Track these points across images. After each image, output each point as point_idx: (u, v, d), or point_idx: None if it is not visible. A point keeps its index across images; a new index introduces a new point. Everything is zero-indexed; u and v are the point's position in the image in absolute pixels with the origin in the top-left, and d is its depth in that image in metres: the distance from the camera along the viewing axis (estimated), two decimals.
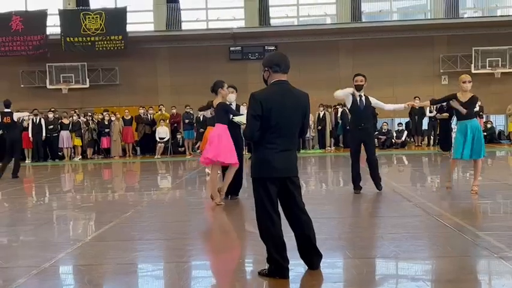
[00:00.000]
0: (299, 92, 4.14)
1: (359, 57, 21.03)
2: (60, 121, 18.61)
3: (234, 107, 8.08)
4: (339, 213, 7.44)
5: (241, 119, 4.79)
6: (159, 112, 19.17)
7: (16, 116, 13.03)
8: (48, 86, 21.04)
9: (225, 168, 8.06)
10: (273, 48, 20.90)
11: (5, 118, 12.74)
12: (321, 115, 18.69)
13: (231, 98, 8.06)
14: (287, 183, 4.06)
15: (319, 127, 18.77)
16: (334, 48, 21.27)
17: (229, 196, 8.21)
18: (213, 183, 7.92)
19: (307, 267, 4.28)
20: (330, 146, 18.89)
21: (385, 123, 19.88)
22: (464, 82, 7.99)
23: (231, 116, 7.46)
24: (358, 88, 8.43)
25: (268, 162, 3.97)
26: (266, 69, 4.06)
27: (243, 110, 8.19)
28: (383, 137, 19.39)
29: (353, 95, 8.37)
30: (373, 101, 8.63)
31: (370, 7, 22.44)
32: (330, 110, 19.28)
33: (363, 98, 8.46)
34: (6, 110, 12.81)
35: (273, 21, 22.05)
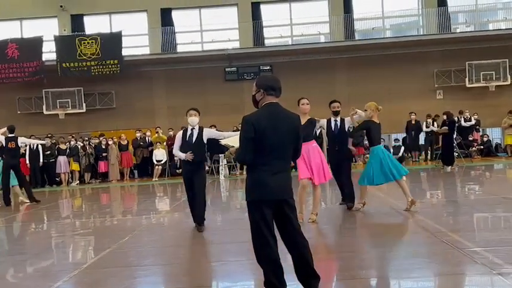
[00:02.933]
0: (291, 113, 4.17)
1: (354, 74, 21.20)
2: (57, 146, 18.60)
3: (196, 129, 7.58)
4: (336, 232, 7.40)
5: (229, 141, 4.71)
6: (156, 135, 19.20)
7: (20, 141, 13.06)
8: (45, 112, 21.11)
9: None
10: (268, 68, 21.07)
11: (9, 143, 12.65)
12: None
13: (193, 121, 7.57)
14: (283, 205, 4.04)
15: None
16: (329, 66, 21.42)
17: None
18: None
19: None
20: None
21: (381, 140, 19.89)
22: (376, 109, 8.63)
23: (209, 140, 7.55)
24: (335, 114, 9.06)
25: (262, 184, 3.95)
26: (260, 90, 4.08)
27: (208, 132, 7.82)
28: None
29: (328, 121, 9.00)
30: (347, 121, 9.09)
31: (363, 25, 22.66)
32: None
33: (338, 123, 9.00)
34: (10, 135, 12.75)
35: (267, 41, 22.26)
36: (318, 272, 4.21)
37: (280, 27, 22.62)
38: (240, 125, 4.09)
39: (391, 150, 19.60)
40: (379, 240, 6.38)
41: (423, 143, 19.68)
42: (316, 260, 4.26)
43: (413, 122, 19.27)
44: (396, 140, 20.36)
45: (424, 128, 18.61)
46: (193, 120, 7.59)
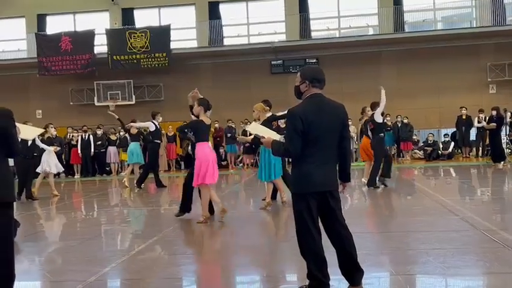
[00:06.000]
0: (336, 103, 4.11)
1: (403, 68, 20.74)
2: (107, 137, 19.16)
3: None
4: (382, 227, 7.30)
5: (259, 132, 4.65)
6: None
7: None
8: (96, 103, 21.75)
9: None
10: (314, 61, 20.89)
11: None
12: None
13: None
14: (328, 197, 4.00)
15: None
16: (377, 59, 21.03)
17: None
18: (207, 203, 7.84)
19: (348, 284, 4.21)
20: None
21: (430, 134, 19.44)
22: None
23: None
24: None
25: (309, 176, 3.92)
26: (306, 82, 4.03)
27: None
28: (429, 149, 18.95)
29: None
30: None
31: (414, 17, 22.10)
32: None
33: None
34: None
35: (313, 34, 22.08)
36: (363, 266, 4.18)
37: (327, 20, 22.39)
38: (286, 118, 4.07)
39: (441, 146, 19.10)
40: (426, 237, 6.24)
41: (474, 139, 19.05)
42: (360, 254, 4.21)
43: (464, 117, 18.67)
44: (446, 135, 19.83)
45: (476, 124, 18.00)
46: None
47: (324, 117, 3.95)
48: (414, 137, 19.73)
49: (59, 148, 13.24)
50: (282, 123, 9.62)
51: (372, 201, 10.05)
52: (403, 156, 19.29)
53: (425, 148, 19.15)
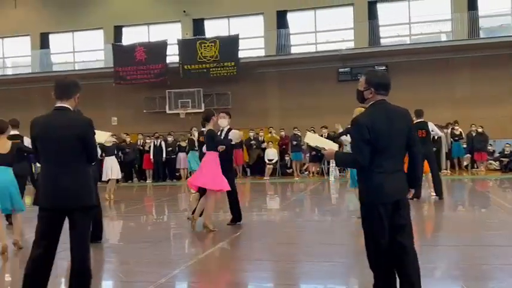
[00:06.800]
0: (400, 109, 3.99)
1: (477, 75, 19.88)
2: (178, 144, 19.76)
3: (225, 131, 8.22)
4: (456, 240, 7.03)
5: (318, 143, 4.56)
6: (269, 135, 19.60)
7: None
8: (168, 111, 22.49)
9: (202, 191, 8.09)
10: (383, 68, 20.47)
11: None
12: (436, 136, 17.83)
13: (223, 123, 8.26)
14: (399, 206, 3.86)
15: (434, 149, 17.86)
16: (450, 66, 20.29)
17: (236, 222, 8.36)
18: (210, 211, 7.92)
19: None
20: (446, 169, 17.92)
21: (507, 145, 18.48)
22: None
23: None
24: None
25: (379, 186, 3.77)
26: (371, 89, 3.90)
27: (233, 133, 8.26)
28: (505, 160, 18.01)
29: None
30: None
31: (490, 22, 21.17)
32: (445, 130, 18.36)
33: None
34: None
35: (383, 41, 21.69)
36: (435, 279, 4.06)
37: (397, 26, 21.92)
38: (351, 127, 3.96)
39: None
40: (501, 251, 5.96)
41: None
42: (432, 267, 4.10)
43: None
44: None
45: None
46: (224, 122, 8.28)
47: (391, 125, 3.82)
48: (489, 147, 18.83)
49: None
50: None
51: (443, 214, 9.70)
52: (477, 167, 18.47)
53: (502, 159, 18.23)
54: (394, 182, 3.82)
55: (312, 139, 4.65)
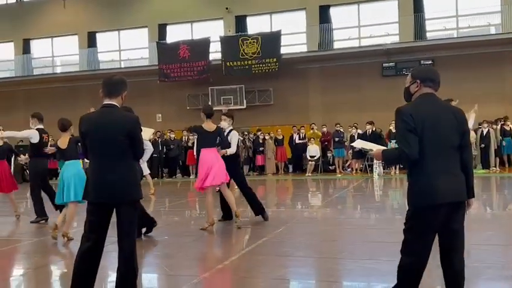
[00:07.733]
0: (453, 107, 3.73)
1: None
2: None
3: (226, 132, 8.16)
4: (505, 240, 6.81)
5: (365, 146, 4.39)
6: (311, 131, 19.51)
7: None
8: None
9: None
10: (429, 62, 19.99)
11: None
12: (485, 132, 17.29)
13: (224, 125, 8.28)
14: (452, 211, 3.41)
15: (483, 145, 17.36)
16: (500, 60, 19.61)
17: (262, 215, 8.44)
18: (210, 207, 7.90)
19: None
20: (495, 166, 17.33)
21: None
22: None
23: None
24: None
25: (429, 187, 3.36)
26: (417, 81, 3.61)
27: (234, 135, 8.28)
28: None
29: None
30: None
31: None
32: (495, 126, 17.77)
33: None
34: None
35: (429, 35, 21.16)
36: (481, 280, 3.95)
37: (443, 19, 21.33)
38: (394, 119, 3.60)
39: None
40: None
41: None
42: (479, 267, 3.98)
43: None
44: None
45: None
46: (224, 124, 8.35)
47: (440, 117, 3.46)
48: None
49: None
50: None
51: (493, 212, 9.41)
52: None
53: None
54: (447, 182, 3.39)
55: (360, 143, 4.60)
